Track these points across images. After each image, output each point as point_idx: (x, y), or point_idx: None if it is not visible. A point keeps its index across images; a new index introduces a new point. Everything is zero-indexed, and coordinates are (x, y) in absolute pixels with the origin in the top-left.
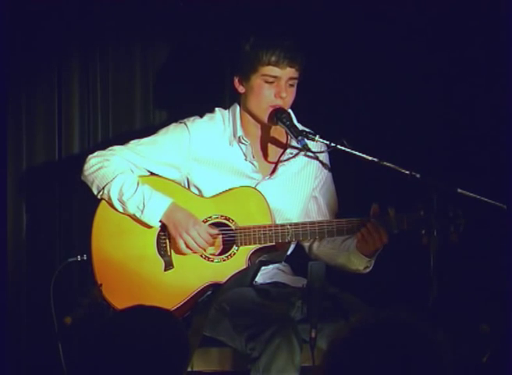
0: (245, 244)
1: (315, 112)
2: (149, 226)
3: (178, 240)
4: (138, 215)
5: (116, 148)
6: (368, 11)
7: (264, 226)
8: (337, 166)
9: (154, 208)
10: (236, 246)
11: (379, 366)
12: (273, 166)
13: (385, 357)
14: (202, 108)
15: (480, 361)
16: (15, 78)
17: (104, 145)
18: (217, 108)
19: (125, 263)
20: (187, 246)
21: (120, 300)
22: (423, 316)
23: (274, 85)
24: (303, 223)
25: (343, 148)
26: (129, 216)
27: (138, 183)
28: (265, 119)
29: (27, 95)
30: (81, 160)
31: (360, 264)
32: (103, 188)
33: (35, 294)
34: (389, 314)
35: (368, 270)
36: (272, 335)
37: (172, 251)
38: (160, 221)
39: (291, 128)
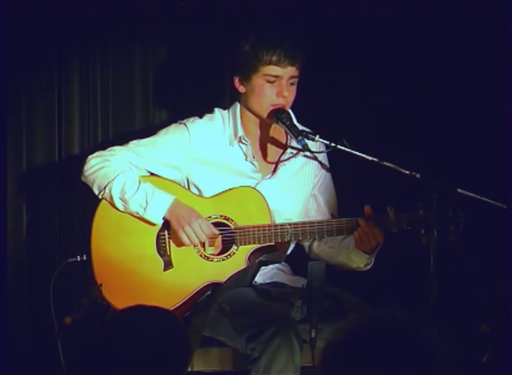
0: (244, 244)
1: (315, 112)
2: (150, 224)
3: (180, 233)
4: (141, 213)
5: (116, 148)
6: (367, 10)
7: (264, 226)
8: (337, 166)
9: (158, 206)
10: (236, 246)
11: (374, 366)
12: (273, 165)
13: (380, 357)
14: (202, 108)
15: (480, 361)
16: (15, 78)
17: (104, 145)
18: (216, 109)
19: (124, 263)
20: (189, 239)
21: (120, 300)
22: (423, 316)
23: (275, 84)
24: (302, 223)
25: (342, 148)
26: (129, 215)
27: (140, 182)
28: (267, 117)
29: (27, 95)
30: (81, 160)
31: (360, 261)
32: (104, 188)
33: (35, 294)
34: (383, 314)
35: (368, 267)
36: (272, 335)
37: (172, 250)
38: (163, 218)
39: (291, 128)
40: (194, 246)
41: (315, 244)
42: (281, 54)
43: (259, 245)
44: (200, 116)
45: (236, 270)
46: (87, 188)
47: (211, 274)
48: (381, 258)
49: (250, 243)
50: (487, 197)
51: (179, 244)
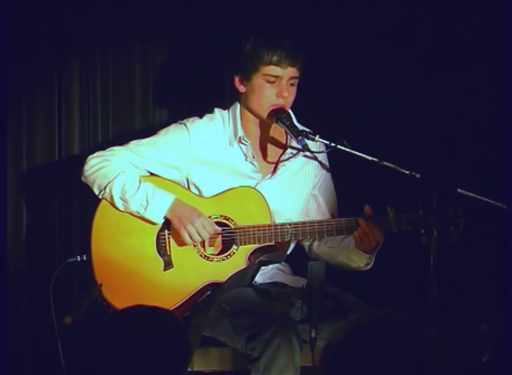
0: (244, 244)
1: (315, 112)
2: (150, 224)
3: (182, 232)
4: (141, 212)
5: (116, 148)
6: (367, 10)
7: (264, 226)
8: (337, 166)
9: (158, 205)
10: (236, 246)
11: (374, 366)
12: (273, 165)
13: (380, 357)
14: (202, 109)
15: (480, 361)
16: (15, 78)
17: (104, 145)
18: (216, 109)
19: (124, 263)
20: (191, 238)
21: (120, 300)
22: (423, 316)
23: (275, 85)
24: (302, 223)
25: (342, 148)
26: (129, 215)
27: (140, 181)
28: (266, 117)
29: (27, 95)
30: (81, 160)
31: (360, 261)
32: (104, 188)
33: (35, 294)
34: (384, 314)
35: (368, 267)
36: (272, 335)
37: (172, 250)
38: (164, 217)
39: (291, 128)
40: (194, 246)
41: (315, 244)
42: (282, 54)
43: (259, 245)
44: (201, 116)
45: (236, 270)
46: (87, 188)
47: (211, 274)
48: (381, 259)
49: (250, 243)
50: (487, 197)
51: (180, 243)
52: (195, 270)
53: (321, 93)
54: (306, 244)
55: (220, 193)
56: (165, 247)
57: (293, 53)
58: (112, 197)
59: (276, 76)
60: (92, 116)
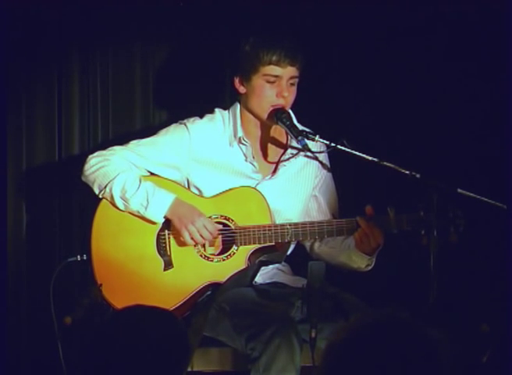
0: (245, 244)
1: (315, 112)
2: (150, 224)
3: (183, 232)
4: (142, 212)
5: (116, 148)
6: (367, 10)
7: (264, 226)
8: (337, 166)
9: (159, 204)
10: (236, 246)
11: (377, 367)
12: (273, 166)
13: (381, 357)
14: (202, 109)
15: (480, 361)
16: (15, 78)
17: (104, 145)
18: (216, 109)
19: (124, 263)
20: (192, 238)
21: (120, 300)
22: (423, 316)
23: (275, 85)
24: (302, 223)
25: (342, 148)
26: (129, 215)
27: (140, 181)
28: (267, 118)
29: (27, 95)
30: (81, 160)
31: (361, 262)
32: (105, 187)
33: (35, 294)
34: (385, 314)
35: (369, 268)
36: (272, 335)
37: (172, 250)
38: (164, 217)
39: (291, 128)
40: (195, 246)
41: (316, 244)
42: (281, 54)
43: (259, 245)
44: (201, 116)
45: (236, 270)
46: (87, 188)
47: (211, 274)
48: (381, 259)
49: (250, 243)
50: (487, 197)
51: (180, 244)
52: (195, 270)
53: (321, 93)
54: (307, 244)
55: (220, 193)
56: (165, 247)
57: (292, 52)
58: (112, 196)
59: (276, 76)
60: (92, 116)
